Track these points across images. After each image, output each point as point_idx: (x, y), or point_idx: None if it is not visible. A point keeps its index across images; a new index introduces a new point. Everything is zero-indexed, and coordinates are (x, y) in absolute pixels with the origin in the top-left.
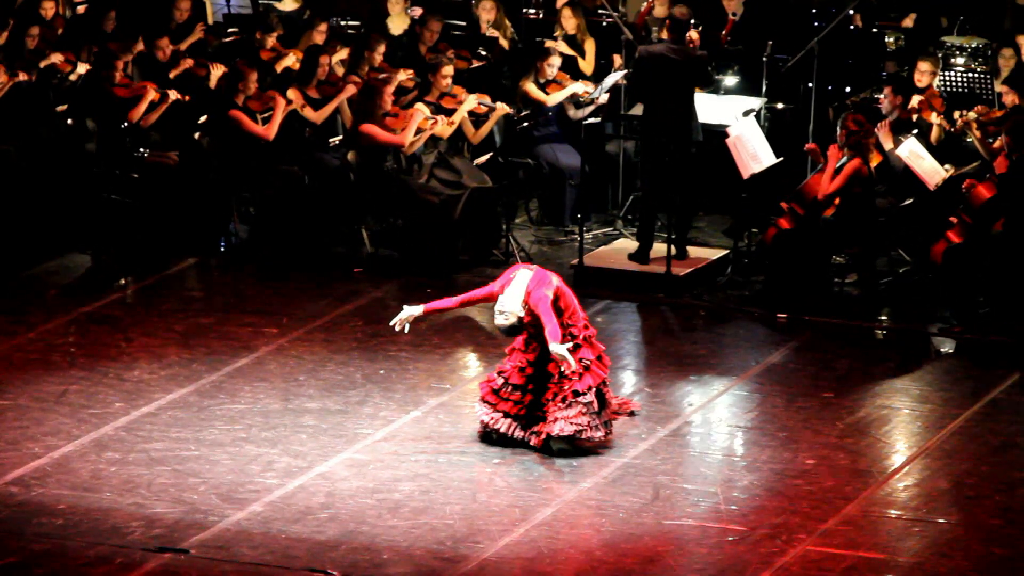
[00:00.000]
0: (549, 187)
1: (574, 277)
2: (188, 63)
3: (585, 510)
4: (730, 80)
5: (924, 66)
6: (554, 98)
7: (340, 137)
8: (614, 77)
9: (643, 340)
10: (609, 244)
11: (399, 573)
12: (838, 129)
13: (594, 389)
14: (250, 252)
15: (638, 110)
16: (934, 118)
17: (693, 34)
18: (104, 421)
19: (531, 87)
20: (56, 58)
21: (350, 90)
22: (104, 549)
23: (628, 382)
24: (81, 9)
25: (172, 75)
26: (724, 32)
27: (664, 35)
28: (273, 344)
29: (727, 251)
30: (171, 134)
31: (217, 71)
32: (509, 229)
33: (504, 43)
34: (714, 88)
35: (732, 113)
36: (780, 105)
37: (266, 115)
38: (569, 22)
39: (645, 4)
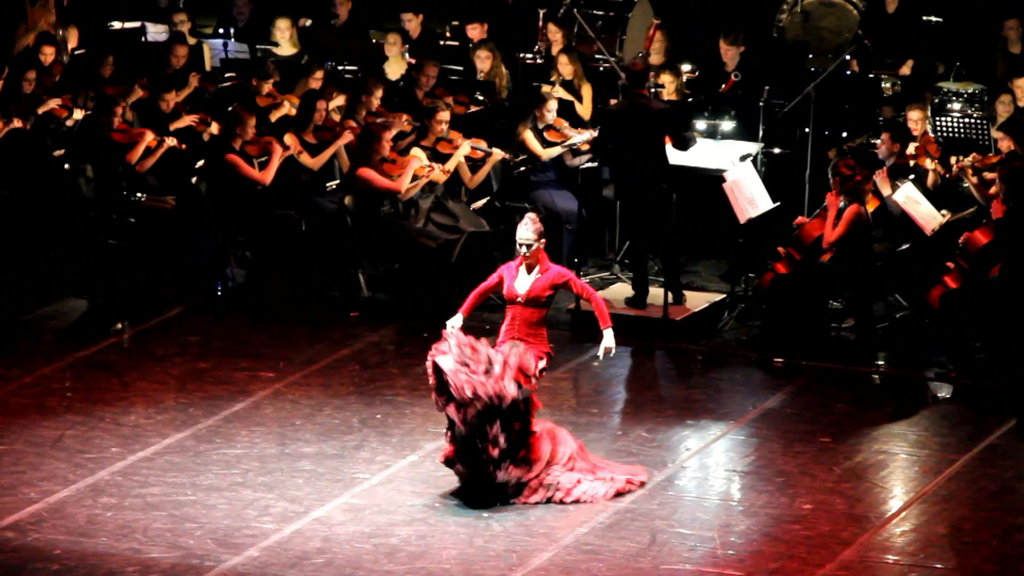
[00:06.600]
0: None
1: (571, 322)
2: (191, 119)
3: (582, 555)
4: (727, 125)
5: (914, 114)
6: (549, 153)
7: (337, 181)
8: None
9: (640, 385)
10: (606, 288)
11: None
12: (831, 176)
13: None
14: (247, 296)
15: None
16: (929, 164)
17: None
18: (100, 466)
19: (529, 137)
20: (53, 103)
21: (347, 136)
22: None
23: (625, 427)
24: (78, 54)
25: (172, 127)
26: (724, 88)
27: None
28: (270, 388)
29: (724, 296)
30: (168, 178)
31: (215, 128)
32: None
33: (502, 92)
34: (711, 133)
35: (729, 158)
36: (777, 150)
37: (263, 159)
38: (566, 68)
39: (641, 51)
